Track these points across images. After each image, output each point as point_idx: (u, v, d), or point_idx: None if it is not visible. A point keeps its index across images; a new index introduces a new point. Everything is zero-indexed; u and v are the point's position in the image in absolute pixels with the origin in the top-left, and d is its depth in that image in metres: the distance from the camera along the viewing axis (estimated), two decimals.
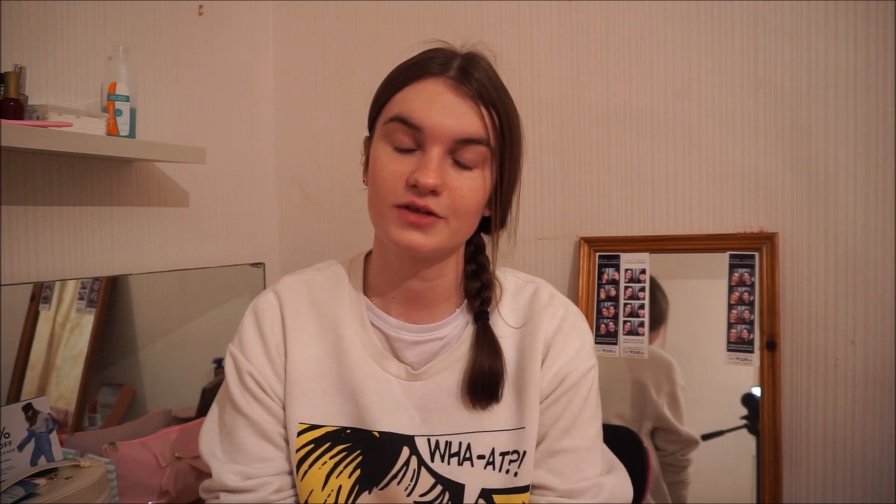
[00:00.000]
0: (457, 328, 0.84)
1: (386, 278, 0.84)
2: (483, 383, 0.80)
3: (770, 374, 1.35)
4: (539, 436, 0.82)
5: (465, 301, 0.86)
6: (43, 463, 1.07)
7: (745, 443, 1.38)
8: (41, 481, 1.01)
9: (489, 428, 0.81)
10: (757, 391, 1.37)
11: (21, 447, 1.05)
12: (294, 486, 0.84)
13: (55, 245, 1.29)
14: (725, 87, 1.42)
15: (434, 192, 0.74)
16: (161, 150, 1.38)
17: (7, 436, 1.04)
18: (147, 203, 1.49)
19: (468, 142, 0.76)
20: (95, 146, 1.20)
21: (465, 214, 0.77)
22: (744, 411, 1.39)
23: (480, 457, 0.81)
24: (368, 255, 0.90)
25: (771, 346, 1.36)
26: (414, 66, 0.79)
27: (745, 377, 1.38)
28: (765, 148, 1.40)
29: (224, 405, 0.86)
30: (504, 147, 0.79)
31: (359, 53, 1.76)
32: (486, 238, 0.88)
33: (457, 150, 0.76)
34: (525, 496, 0.81)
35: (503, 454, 0.81)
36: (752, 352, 1.37)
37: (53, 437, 1.10)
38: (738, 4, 1.40)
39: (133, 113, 1.31)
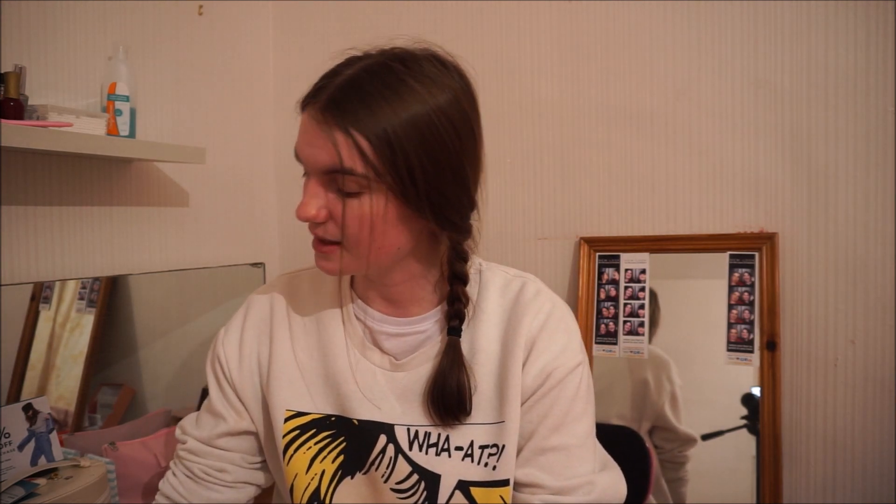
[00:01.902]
0: (437, 323, 0.85)
1: (364, 280, 0.87)
2: (444, 401, 0.80)
3: (770, 374, 1.35)
4: (528, 433, 0.82)
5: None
6: (43, 463, 1.07)
7: (745, 443, 1.38)
8: (41, 481, 1.02)
9: (469, 421, 0.81)
10: (757, 391, 1.37)
11: (21, 447, 1.05)
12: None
13: (55, 245, 1.29)
14: (725, 88, 1.42)
15: (319, 223, 0.76)
16: (161, 150, 1.38)
17: (7, 436, 1.04)
18: (147, 203, 1.49)
19: (333, 171, 0.73)
20: (95, 146, 1.20)
21: (357, 238, 0.75)
22: (744, 411, 1.39)
23: (458, 448, 0.81)
24: None
25: (771, 346, 1.36)
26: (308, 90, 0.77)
27: (745, 377, 1.38)
28: (764, 148, 1.40)
29: None
30: (391, 164, 0.71)
31: None
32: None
33: (332, 179, 0.74)
34: (504, 490, 0.80)
35: (482, 447, 0.81)
36: (752, 352, 1.37)
37: (53, 437, 1.10)
38: (738, 4, 1.40)
39: (133, 113, 1.31)
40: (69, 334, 1.29)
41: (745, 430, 1.38)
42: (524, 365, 0.81)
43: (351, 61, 0.76)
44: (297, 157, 0.78)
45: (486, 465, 0.80)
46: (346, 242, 0.76)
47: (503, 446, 0.80)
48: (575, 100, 1.55)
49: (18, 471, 1.02)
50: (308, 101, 0.76)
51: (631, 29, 1.50)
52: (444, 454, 0.81)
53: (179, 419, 1.45)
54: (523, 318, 0.82)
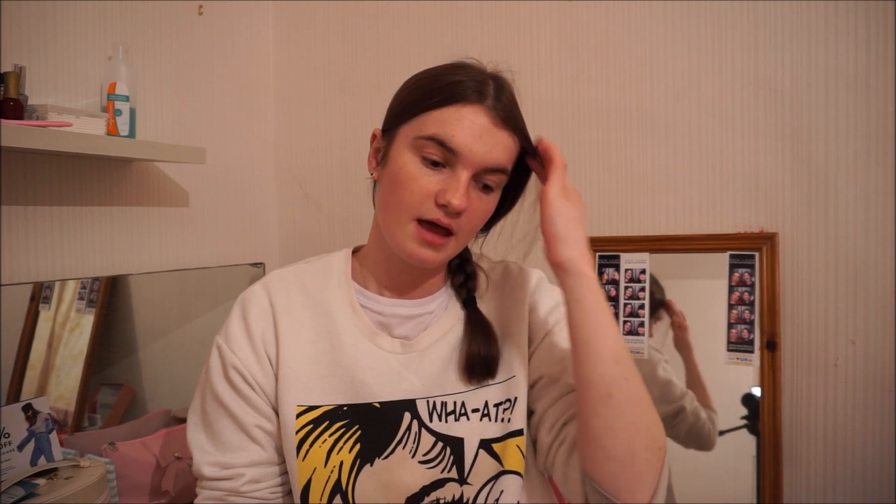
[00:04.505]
0: (443, 301, 0.91)
1: (384, 270, 0.90)
2: (480, 366, 0.86)
3: (770, 374, 1.35)
4: (556, 373, 0.87)
5: (450, 280, 0.94)
6: (43, 463, 1.07)
7: (745, 443, 1.38)
8: (41, 481, 1.02)
9: (483, 383, 0.87)
10: (757, 391, 1.37)
11: (21, 447, 1.05)
12: (277, 476, 0.86)
13: (55, 245, 1.29)
14: (725, 88, 1.42)
15: (459, 213, 0.81)
16: (161, 150, 1.38)
17: (7, 436, 1.04)
18: (147, 203, 1.49)
19: (494, 170, 0.81)
20: (95, 146, 1.20)
21: (473, 230, 0.85)
22: (744, 411, 1.39)
23: (475, 410, 0.86)
24: (356, 249, 0.96)
25: (771, 346, 1.36)
26: (450, 86, 0.81)
27: (745, 377, 1.38)
28: (765, 148, 1.40)
29: (205, 394, 0.87)
30: (524, 172, 0.88)
31: (359, 53, 1.76)
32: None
33: (482, 175, 0.81)
34: (519, 440, 0.87)
35: (497, 405, 0.87)
36: (752, 352, 1.37)
37: (53, 437, 1.10)
38: (738, 4, 1.40)
39: (133, 113, 1.31)
40: (69, 334, 1.29)
41: (745, 430, 1.38)
42: (532, 311, 0.91)
43: (483, 71, 0.86)
44: (453, 148, 0.79)
45: (501, 420, 0.86)
46: (463, 233, 0.83)
47: (515, 399, 0.87)
48: (575, 100, 1.55)
49: (18, 471, 1.02)
50: (474, 98, 0.81)
51: (631, 29, 1.50)
52: (463, 418, 0.86)
53: (180, 419, 1.46)
54: (518, 284, 0.93)
